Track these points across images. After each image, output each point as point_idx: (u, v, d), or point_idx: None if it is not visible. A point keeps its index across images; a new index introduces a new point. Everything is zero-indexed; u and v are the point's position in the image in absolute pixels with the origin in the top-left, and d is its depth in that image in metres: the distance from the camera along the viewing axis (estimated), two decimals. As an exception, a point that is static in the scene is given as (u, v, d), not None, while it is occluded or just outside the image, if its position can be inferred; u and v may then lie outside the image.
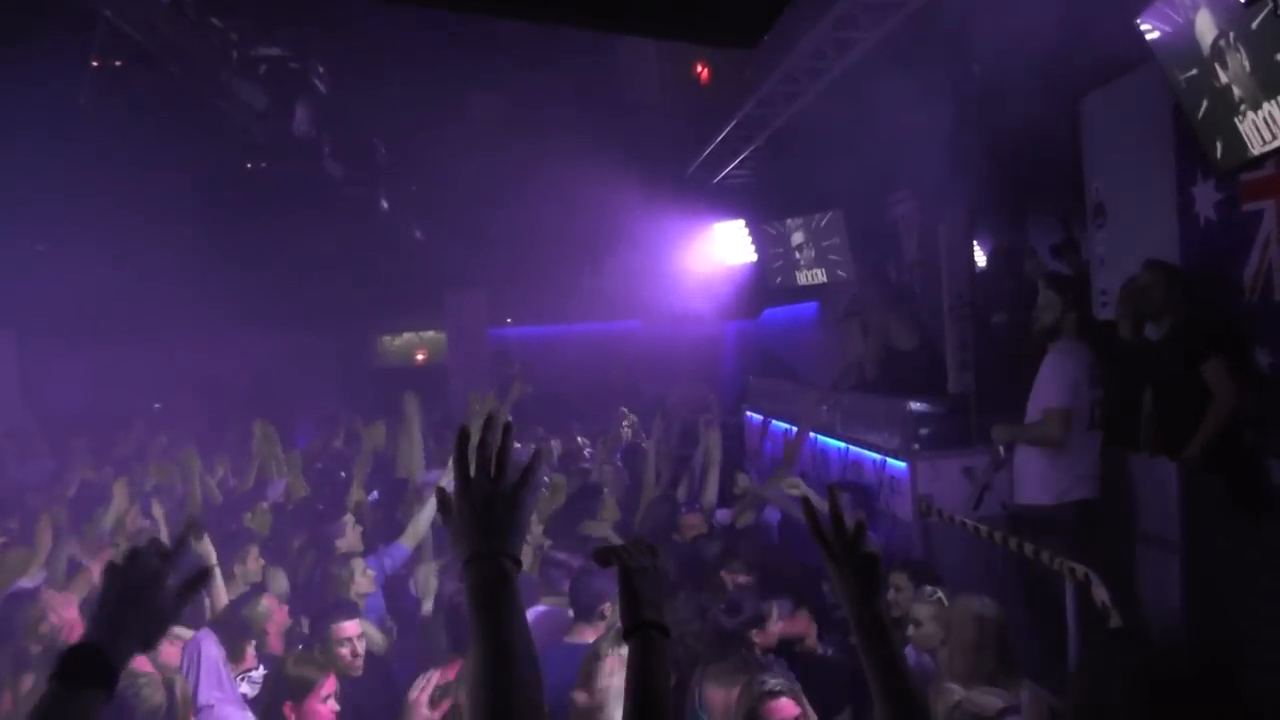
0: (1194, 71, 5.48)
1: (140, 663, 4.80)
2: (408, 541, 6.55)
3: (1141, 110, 6.70)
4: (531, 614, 5.17)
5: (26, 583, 6.21)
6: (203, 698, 4.62)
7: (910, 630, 5.19)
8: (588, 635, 4.91)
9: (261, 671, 5.22)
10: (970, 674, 4.25)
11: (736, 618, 5.15)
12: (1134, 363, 6.41)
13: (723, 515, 7.69)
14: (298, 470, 9.16)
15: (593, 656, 3.95)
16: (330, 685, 4.38)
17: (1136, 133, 6.85)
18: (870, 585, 2.31)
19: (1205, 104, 5.48)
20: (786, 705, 3.93)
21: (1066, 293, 6.41)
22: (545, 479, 8.43)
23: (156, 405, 15.96)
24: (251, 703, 4.79)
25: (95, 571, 6.10)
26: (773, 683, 3.99)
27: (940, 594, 5.16)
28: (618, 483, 8.66)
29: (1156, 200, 6.63)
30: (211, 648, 4.77)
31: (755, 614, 5.22)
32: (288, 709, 4.28)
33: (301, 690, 4.31)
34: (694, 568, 6.28)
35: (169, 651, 4.72)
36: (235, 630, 5.16)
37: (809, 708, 3.95)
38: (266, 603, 5.53)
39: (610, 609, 4.98)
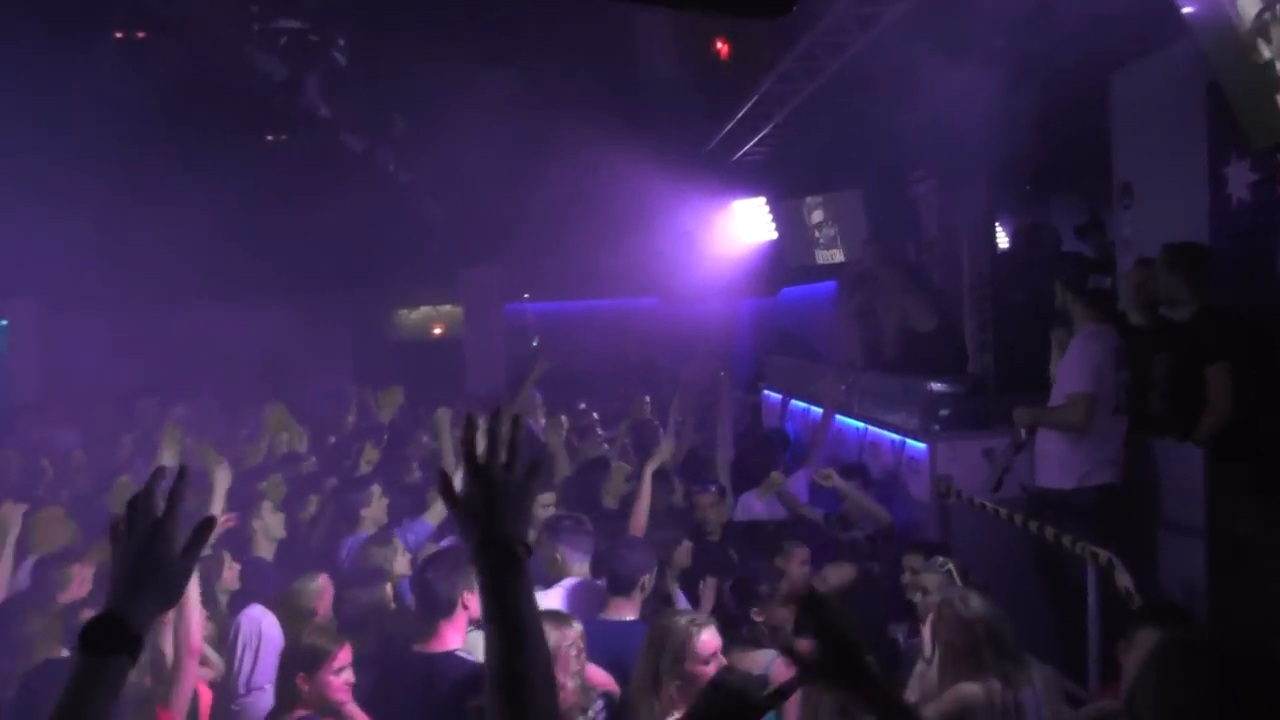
0: (1233, 47, 5.36)
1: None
2: (432, 519, 6.52)
3: (1173, 88, 6.60)
4: (564, 587, 5.15)
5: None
6: (257, 679, 4.57)
7: (917, 598, 5.19)
8: (625, 611, 4.88)
9: None
10: (968, 677, 4.20)
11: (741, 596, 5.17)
12: (1153, 345, 6.35)
13: (746, 500, 7.66)
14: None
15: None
16: (345, 656, 4.25)
17: (1168, 111, 6.75)
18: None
19: (1243, 81, 5.36)
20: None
21: (1067, 277, 6.32)
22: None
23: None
24: None
25: None
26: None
27: (951, 565, 5.12)
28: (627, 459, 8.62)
29: (1187, 180, 6.54)
30: (272, 628, 4.74)
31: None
32: (300, 680, 4.12)
33: (315, 661, 4.16)
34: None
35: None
36: (293, 612, 5.08)
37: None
38: (320, 582, 5.43)
39: (649, 581, 4.97)
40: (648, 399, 11.46)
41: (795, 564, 6.09)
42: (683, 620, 3.98)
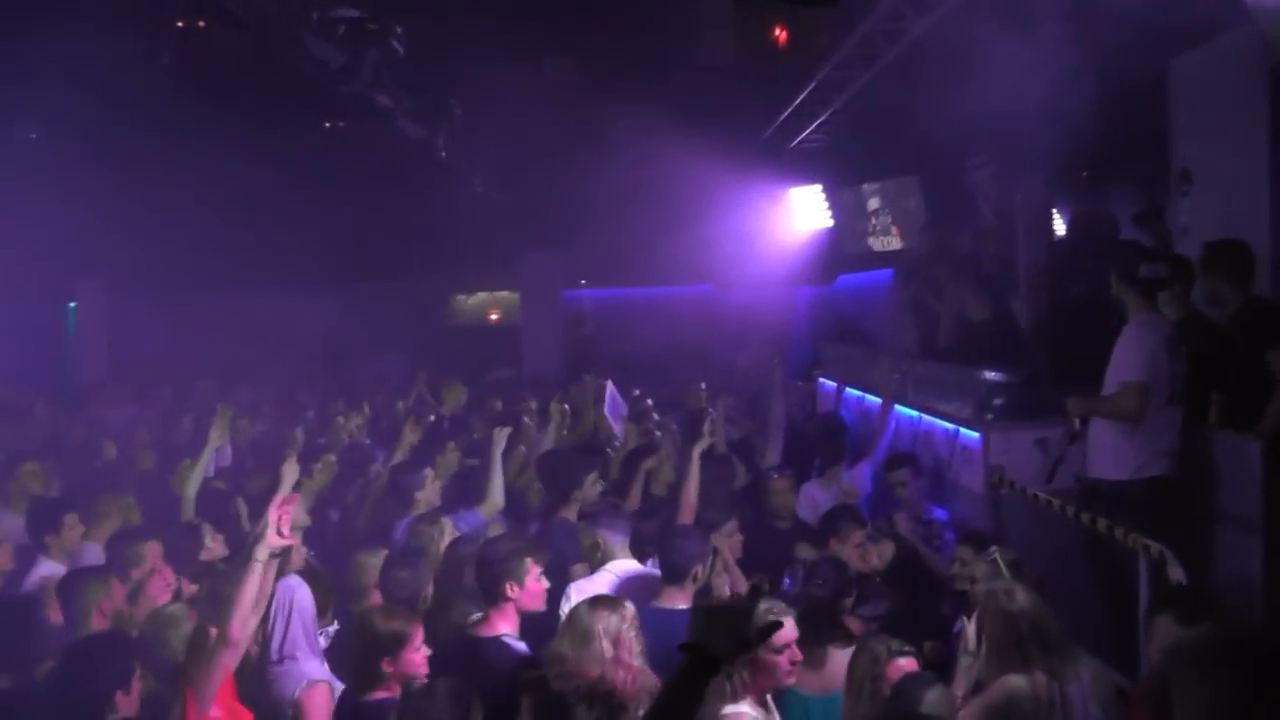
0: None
1: (161, 596, 4.88)
2: (485, 512, 6.59)
3: (1234, 74, 6.50)
4: (615, 575, 5.19)
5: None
6: (288, 647, 4.67)
7: (969, 587, 5.18)
8: (678, 600, 4.90)
9: (336, 628, 5.27)
10: (1012, 669, 4.17)
11: (821, 585, 5.16)
12: (1206, 341, 6.27)
13: (809, 490, 7.66)
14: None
15: None
16: (420, 633, 4.37)
17: (1228, 97, 6.65)
18: None
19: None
20: (907, 664, 4.05)
21: (1115, 266, 6.25)
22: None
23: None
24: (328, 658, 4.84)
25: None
26: (894, 644, 4.12)
27: (997, 556, 5.09)
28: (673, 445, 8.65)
29: (1247, 167, 6.43)
30: (306, 598, 4.83)
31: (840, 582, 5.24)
32: (385, 665, 4.22)
33: (396, 644, 4.26)
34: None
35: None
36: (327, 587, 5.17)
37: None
38: (381, 558, 5.54)
39: (701, 571, 4.99)
40: (704, 386, 11.49)
41: (851, 547, 6.11)
42: (762, 607, 3.90)
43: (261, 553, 4.14)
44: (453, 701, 3.67)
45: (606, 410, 8.65)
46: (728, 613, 2.56)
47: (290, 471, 5.66)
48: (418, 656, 4.31)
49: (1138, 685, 4.66)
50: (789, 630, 3.99)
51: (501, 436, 6.62)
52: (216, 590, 4.73)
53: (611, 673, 3.95)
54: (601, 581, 5.16)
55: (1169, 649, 3.82)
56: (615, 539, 5.38)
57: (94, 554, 6.16)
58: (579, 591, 5.01)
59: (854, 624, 5.61)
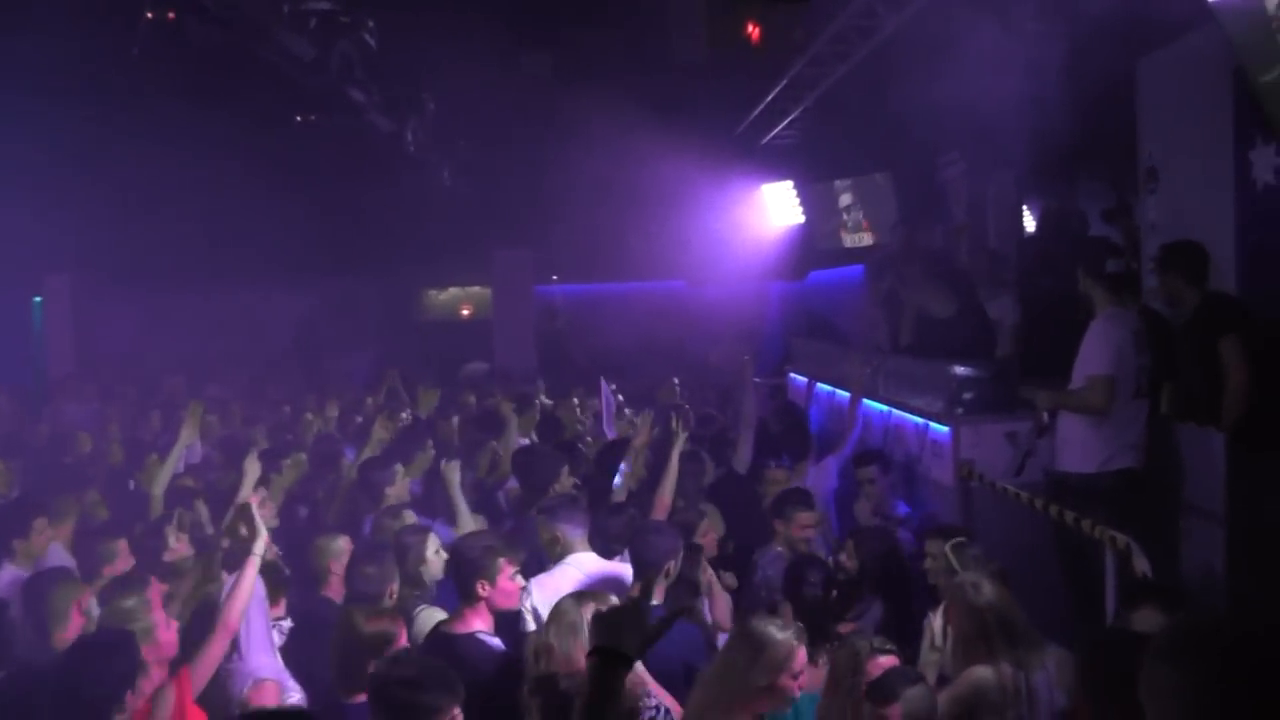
0: (1257, 32, 5.34)
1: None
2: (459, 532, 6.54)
3: (1199, 73, 6.58)
4: (586, 576, 5.19)
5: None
6: (238, 642, 4.61)
7: (939, 582, 5.20)
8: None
9: (289, 624, 5.23)
10: (979, 661, 4.22)
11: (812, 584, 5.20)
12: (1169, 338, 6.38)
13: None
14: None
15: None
16: (404, 634, 4.34)
17: (1193, 96, 6.73)
18: None
19: (1268, 65, 5.34)
20: (888, 661, 4.04)
21: (1083, 262, 6.33)
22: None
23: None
24: (288, 655, 4.79)
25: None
26: (876, 641, 4.12)
27: (948, 549, 5.14)
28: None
29: (1212, 164, 6.51)
30: (258, 592, 4.80)
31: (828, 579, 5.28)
32: (370, 666, 4.02)
33: (381, 645, 4.19)
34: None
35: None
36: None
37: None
38: (342, 543, 5.49)
39: (674, 567, 4.99)
40: (677, 381, 11.51)
41: (797, 528, 6.15)
42: (786, 634, 3.84)
43: (259, 546, 4.29)
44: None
45: (602, 409, 8.61)
46: (625, 613, 2.63)
47: (252, 468, 5.66)
48: None
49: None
50: (802, 654, 3.91)
51: (454, 471, 6.46)
52: (201, 584, 4.72)
53: None
54: (562, 576, 5.17)
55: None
56: (574, 532, 5.36)
57: (56, 555, 6.09)
58: (539, 586, 5.02)
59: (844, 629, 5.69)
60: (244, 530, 4.45)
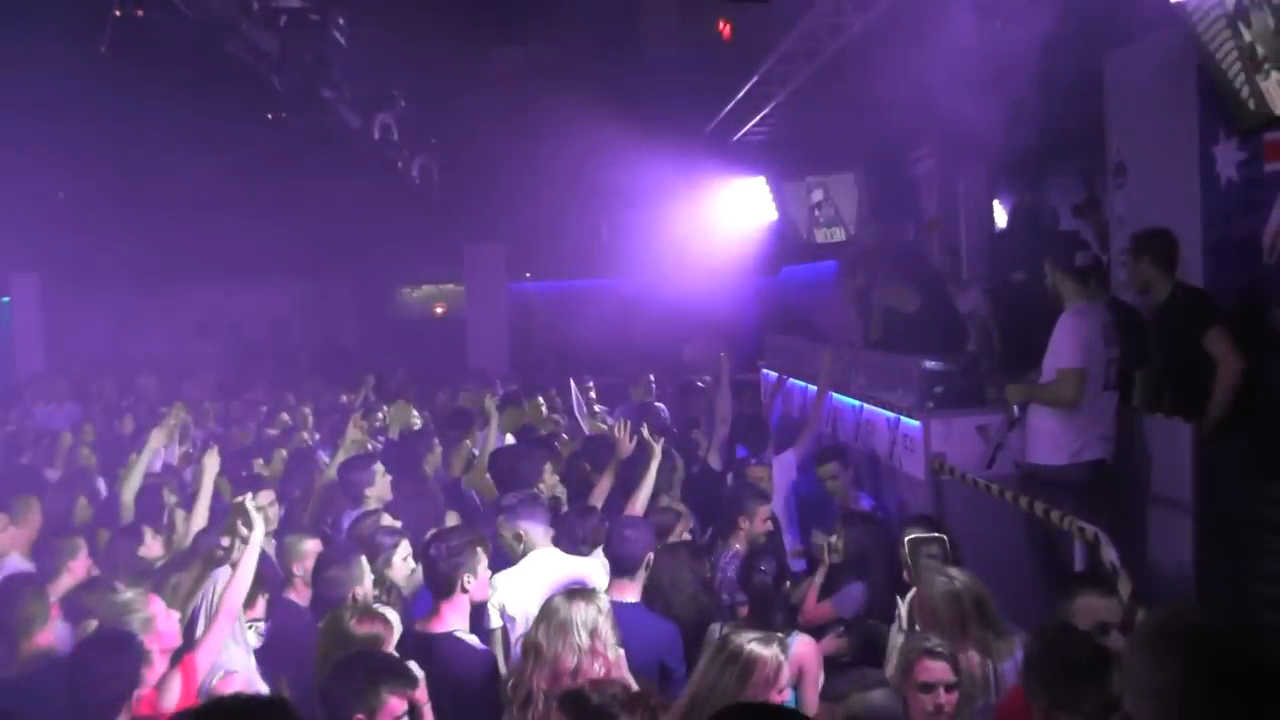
0: (1218, 29, 5.42)
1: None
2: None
3: (1164, 69, 6.65)
4: (554, 582, 5.20)
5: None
6: (199, 631, 4.62)
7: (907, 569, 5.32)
8: (627, 592, 4.93)
9: (265, 625, 5.21)
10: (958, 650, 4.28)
11: (763, 572, 5.24)
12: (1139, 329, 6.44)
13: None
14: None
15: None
16: (394, 637, 4.31)
17: (1159, 91, 6.80)
18: None
19: (1229, 62, 5.43)
20: (939, 669, 3.94)
21: (1050, 255, 6.38)
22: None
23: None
24: (264, 657, 4.77)
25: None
26: (934, 641, 4.04)
27: (906, 541, 5.28)
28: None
29: (1178, 159, 6.59)
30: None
31: (780, 568, 5.32)
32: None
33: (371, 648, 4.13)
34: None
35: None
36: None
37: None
38: (308, 545, 5.43)
39: (650, 561, 5.02)
40: (653, 378, 11.54)
41: (759, 521, 6.21)
42: (771, 649, 3.82)
43: (258, 536, 4.37)
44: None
45: (575, 410, 8.60)
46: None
47: (211, 462, 5.67)
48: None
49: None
50: (785, 670, 3.89)
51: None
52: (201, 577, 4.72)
53: (588, 664, 3.98)
54: (525, 572, 5.21)
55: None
56: (536, 529, 5.40)
57: (15, 557, 6.06)
58: (502, 582, 5.07)
59: (824, 610, 5.74)
60: (243, 529, 4.45)
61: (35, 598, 4.76)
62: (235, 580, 4.34)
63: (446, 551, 4.66)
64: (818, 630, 5.50)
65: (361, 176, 13.34)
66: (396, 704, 3.60)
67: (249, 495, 4.57)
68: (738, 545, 6.20)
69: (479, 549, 4.72)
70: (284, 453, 8.14)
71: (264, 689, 4.46)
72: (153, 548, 5.94)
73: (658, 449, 6.33)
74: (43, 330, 16.49)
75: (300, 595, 5.42)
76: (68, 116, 10.34)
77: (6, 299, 16.96)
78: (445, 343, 17.56)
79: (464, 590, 4.64)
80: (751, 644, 3.79)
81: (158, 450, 7.50)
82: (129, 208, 13.45)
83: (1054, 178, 9.83)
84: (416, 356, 15.65)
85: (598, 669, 3.97)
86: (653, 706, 3.61)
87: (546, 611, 4.18)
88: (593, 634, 4.02)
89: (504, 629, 5.07)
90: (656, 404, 10.83)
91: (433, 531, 5.29)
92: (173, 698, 3.99)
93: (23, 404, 12.40)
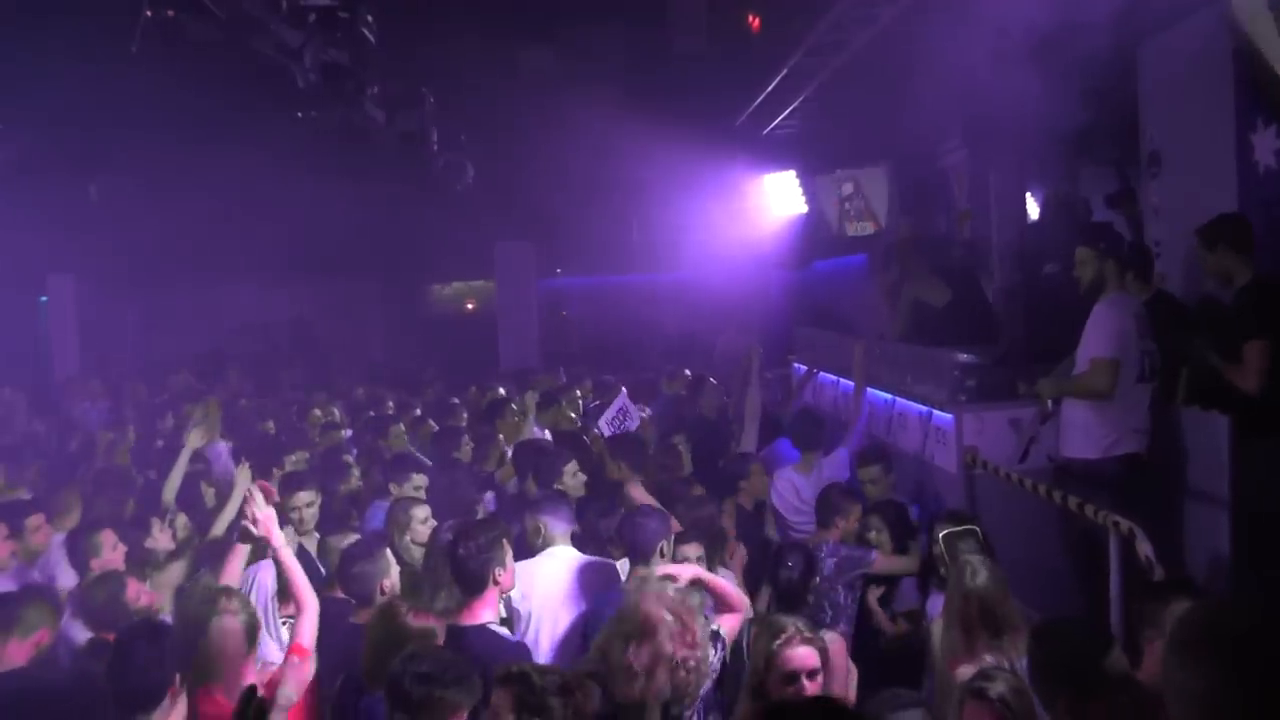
0: (1257, 14, 5.33)
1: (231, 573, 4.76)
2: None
3: (1201, 56, 6.55)
4: (573, 567, 5.21)
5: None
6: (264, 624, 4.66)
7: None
8: None
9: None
10: (967, 647, 4.24)
11: (790, 568, 5.22)
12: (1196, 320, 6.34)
13: (789, 475, 7.65)
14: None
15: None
16: (443, 633, 4.33)
17: (1195, 79, 6.70)
18: None
19: (1267, 48, 5.33)
20: (806, 655, 3.89)
21: (1098, 243, 6.27)
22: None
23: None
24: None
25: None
26: (797, 625, 3.97)
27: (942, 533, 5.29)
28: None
29: (1214, 148, 6.49)
30: (268, 580, 4.82)
31: (807, 563, 5.31)
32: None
33: (424, 643, 4.12)
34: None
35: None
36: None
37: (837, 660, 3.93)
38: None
39: (666, 547, 5.01)
40: (687, 372, 11.52)
41: (852, 522, 6.23)
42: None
43: (279, 538, 4.47)
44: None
45: (612, 412, 8.61)
46: None
47: (244, 476, 5.75)
48: None
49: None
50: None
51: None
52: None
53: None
54: (540, 564, 5.22)
55: None
56: (558, 526, 5.40)
57: (57, 551, 6.15)
58: (518, 573, 5.05)
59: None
60: (253, 526, 4.47)
61: (40, 610, 4.77)
62: (294, 577, 4.40)
63: (475, 549, 4.66)
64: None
65: (391, 174, 13.37)
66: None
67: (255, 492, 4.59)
68: (832, 541, 6.16)
69: (504, 541, 4.73)
70: (305, 455, 8.21)
71: None
72: (160, 540, 6.01)
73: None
74: (78, 330, 16.68)
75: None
76: (100, 117, 10.43)
77: (45, 299, 17.17)
78: (476, 339, 17.61)
79: (495, 583, 4.65)
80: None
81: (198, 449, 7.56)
82: (160, 208, 13.55)
83: (1087, 168, 9.72)
84: (447, 353, 15.71)
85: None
86: (583, 696, 3.60)
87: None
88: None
89: (510, 619, 5.12)
90: (688, 397, 10.80)
91: (454, 526, 5.29)
92: (300, 684, 4.13)
93: (64, 403, 12.56)
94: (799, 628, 3.96)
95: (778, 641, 3.89)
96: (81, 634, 4.84)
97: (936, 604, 5.39)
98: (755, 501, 7.17)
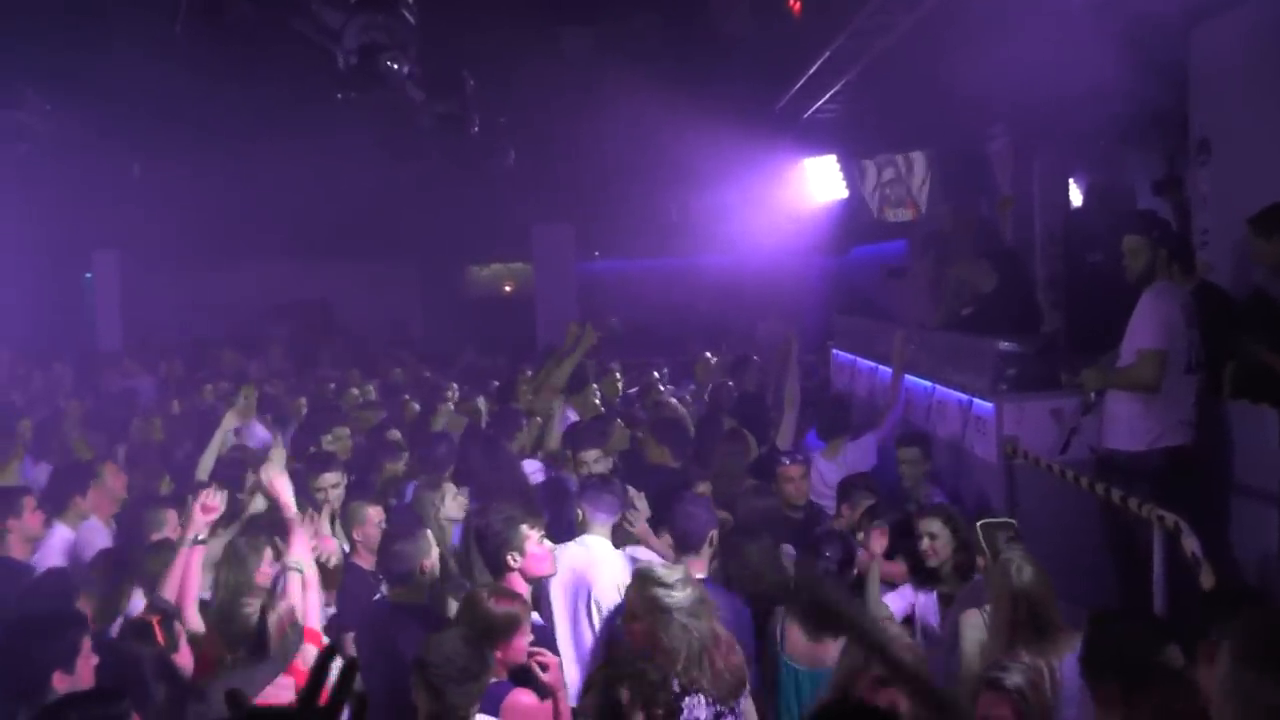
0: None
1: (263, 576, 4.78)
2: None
3: (1254, 41, 6.42)
4: (594, 557, 5.18)
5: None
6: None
7: (925, 543, 5.35)
8: (696, 568, 4.87)
9: (333, 611, 5.27)
10: (1007, 646, 4.19)
11: (828, 558, 5.18)
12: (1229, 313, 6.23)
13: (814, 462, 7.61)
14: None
15: None
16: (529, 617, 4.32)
17: (1248, 65, 6.57)
18: None
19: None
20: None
21: (1151, 232, 6.15)
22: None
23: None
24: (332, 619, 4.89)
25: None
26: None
27: (981, 529, 5.16)
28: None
29: (1266, 135, 6.36)
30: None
31: (846, 554, 5.25)
32: (495, 652, 4.02)
33: (509, 630, 4.13)
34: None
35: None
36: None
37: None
38: (369, 511, 5.60)
39: (715, 536, 5.02)
40: (712, 358, 11.48)
41: (858, 514, 6.11)
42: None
43: (309, 566, 4.58)
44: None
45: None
46: None
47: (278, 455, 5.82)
48: (523, 643, 4.16)
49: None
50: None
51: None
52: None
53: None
54: (567, 551, 5.18)
55: None
56: (596, 515, 5.33)
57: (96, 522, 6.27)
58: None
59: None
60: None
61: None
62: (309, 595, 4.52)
63: (488, 528, 4.71)
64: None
65: (430, 155, 13.38)
66: None
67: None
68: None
69: (523, 525, 4.69)
70: (346, 431, 8.24)
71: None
72: (171, 519, 6.06)
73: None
74: (121, 306, 16.87)
75: (364, 560, 5.52)
76: (143, 97, 10.50)
77: (90, 275, 17.36)
78: (514, 321, 17.63)
79: (511, 568, 4.66)
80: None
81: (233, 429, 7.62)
82: (201, 187, 13.65)
83: (1134, 154, 9.58)
84: (485, 334, 15.74)
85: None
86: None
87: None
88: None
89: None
90: (727, 384, 10.78)
91: (479, 508, 5.31)
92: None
93: (107, 376, 12.71)
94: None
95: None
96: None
97: (929, 603, 5.37)
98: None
